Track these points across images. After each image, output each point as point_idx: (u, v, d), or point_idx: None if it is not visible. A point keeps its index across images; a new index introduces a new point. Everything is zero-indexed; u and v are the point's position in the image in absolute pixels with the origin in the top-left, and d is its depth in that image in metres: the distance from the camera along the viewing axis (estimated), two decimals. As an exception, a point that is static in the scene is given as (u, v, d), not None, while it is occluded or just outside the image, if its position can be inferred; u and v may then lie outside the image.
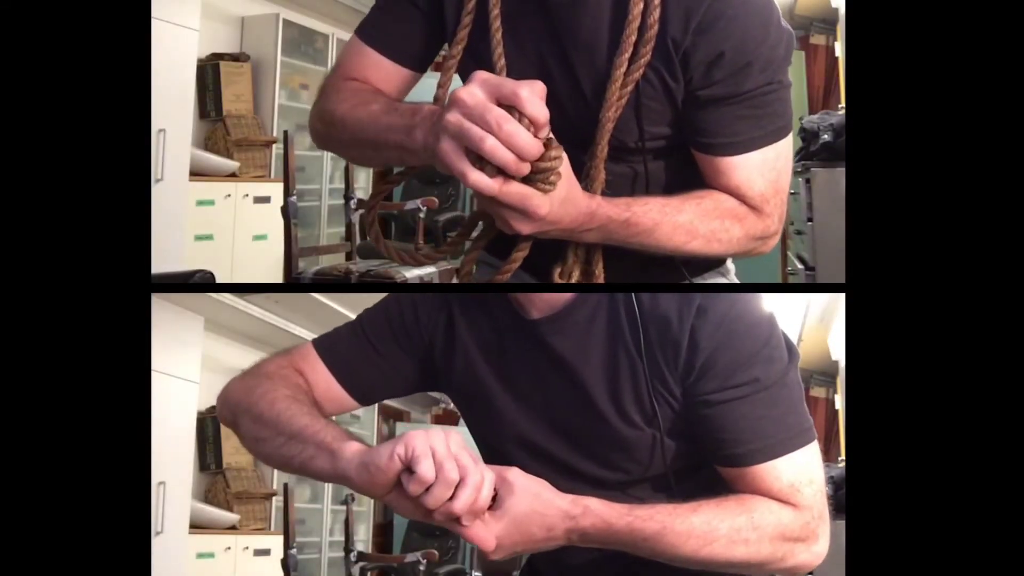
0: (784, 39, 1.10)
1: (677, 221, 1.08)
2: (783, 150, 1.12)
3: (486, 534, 0.95)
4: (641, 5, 1.06)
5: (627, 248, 1.10)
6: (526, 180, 0.98)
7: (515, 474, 0.98)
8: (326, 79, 1.23)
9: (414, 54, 1.21)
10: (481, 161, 0.97)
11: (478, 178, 0.97)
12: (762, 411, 1.03)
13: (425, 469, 0.90)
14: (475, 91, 0.97)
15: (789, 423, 1.04)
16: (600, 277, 1.12)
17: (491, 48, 1.12)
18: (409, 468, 0.92)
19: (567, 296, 1.09)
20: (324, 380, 1.16)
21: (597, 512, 0.99)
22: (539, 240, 1.08)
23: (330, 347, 1.18)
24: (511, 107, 0.96)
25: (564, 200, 1.02)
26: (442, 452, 0.91)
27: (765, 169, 1.11)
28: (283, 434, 1.05)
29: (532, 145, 0.96)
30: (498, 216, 1.03)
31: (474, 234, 1.17)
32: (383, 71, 1.21)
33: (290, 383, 1.12)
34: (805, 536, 1.03)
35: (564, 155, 1.01)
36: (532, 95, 0.96)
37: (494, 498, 0.97)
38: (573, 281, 1.12)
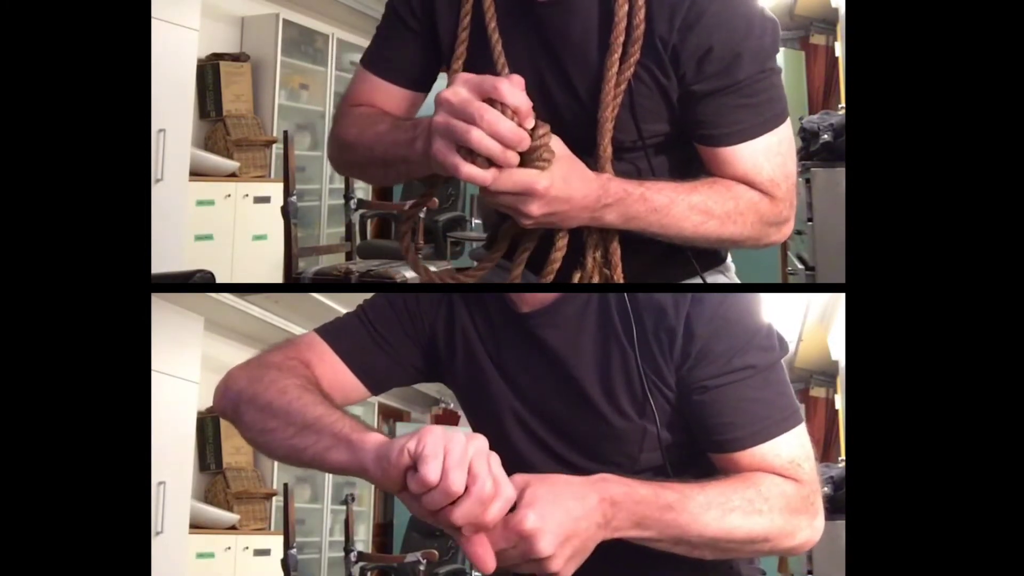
0: (769, 28, 1.11)
1: (692, 200, 1.09)
2: (784, 135, 1.13)
3: (484, 551, 0.89)
4: (626, 6, 1.09)
5: (644, 236, 1.10)
6: (521, 163, 1.01)
7: (519, 478, 0.93)
8: (337, 107, 1.28)
9: (415, 76, 1.25)
10: (472, 155, 1.00)
11: (470, 169, 1.00)
12: (756, 394, 1.05)
13: (428, 471, 0.85)
14: (458, 89, 1.00)
15: (782, 404, 1.07)
16: (619, 278, 1.13)
17: (493, 60, 1.14)
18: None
19: None
20: (332, 369, 1.15)
21: (617, 479, 0.96)
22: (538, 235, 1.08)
23: (337, 334, 1.17)
24: (493, 101, 0.99)
25: (567, 177, 1.03)
26: (454, 458, 0.85)
27: (770, 155, 1.12)
28: (294, 424, 1.01)
29: (513, 131, 0.99)
30: (507, 208, 1.05)
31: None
32: (388, 95, 1.24)
33: (298, 373, 1.09)
34: (805, 509, 1.04)
35: (557, 147, 1.03)
36: (512, 86, 1.00)
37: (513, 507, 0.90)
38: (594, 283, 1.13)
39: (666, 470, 1.09)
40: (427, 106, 1.26)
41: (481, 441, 0.88)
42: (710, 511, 0.98)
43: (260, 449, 1.08)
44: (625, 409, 1.08)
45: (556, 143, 1.03)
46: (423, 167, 1.09)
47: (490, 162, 1.00)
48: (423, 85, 1.26)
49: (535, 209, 1.03)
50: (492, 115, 0.98)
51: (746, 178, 1.12)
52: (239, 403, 1.08)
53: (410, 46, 1.23)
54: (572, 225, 1.08)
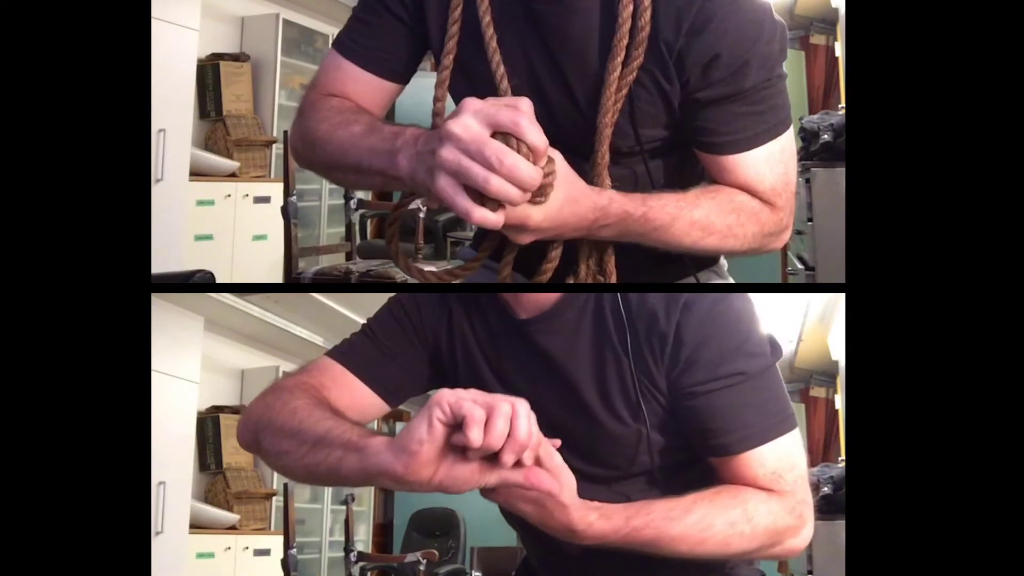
0: (778, 34, 1.08)
1: (694, 216, 1.07)
2: (787, 143, 1.12)
3: (552, 482, 0.91)
4: (631, 7, 1.05)
5: (640, 245, 1.09)
6: None
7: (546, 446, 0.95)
8: (305, 96, 1.19)
9: (396, 67, 1.18)
10: (482, 196, 0.94)
11: (483, 215, 0.94)
12: (745, 400, 1.05)
13: (471, 408, 0.84)
14: (469, 123, 0.93)
15: (771, 410, 1.06)
16: (612, 281, 1.12)
17: (487, 57, 1.10)
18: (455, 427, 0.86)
19: (554, 296, 1.10)
20: (349, 389, 1.14)
21: (599, 527, 0.98)
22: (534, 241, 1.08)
23: (348, 353, 1.16)
24: (507, 135, 0.93)
25: (564, 202, 1.01)
26: (480, 396, 0.86)
27: (773, 163, 1.11)
28: (306, 442, 0.99)
29: (534, 176, 0.93)
30: (504, 232, 1.03)
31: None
32: (364, 85, 1.18)
33: (309, 394, 1.08)
34: (794, 522, 1.04)
35: (557, 163, 0.99)
36: (531, 123, 0.94)
37: None
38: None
39: (655, 475, 1.10)
40: (405, 110, 1.23)
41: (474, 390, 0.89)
42: (686, 540, 1.00)
43: (281, 473, 1.08)
44: (620, 413, 1.08)
45: (556, 158, 1.00)
46: (402, 183, 1.03)
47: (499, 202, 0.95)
48: (404, 77, 1.20)
49: (524, 239, 1.02)
50: (512, 159, 0.92)
51: (747, 186, 1.10)
52: (257, 431, 1.07)
53: (393, 35, 1.17)
54: (566, 239, 1.08)
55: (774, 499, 1.04)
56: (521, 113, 0.93)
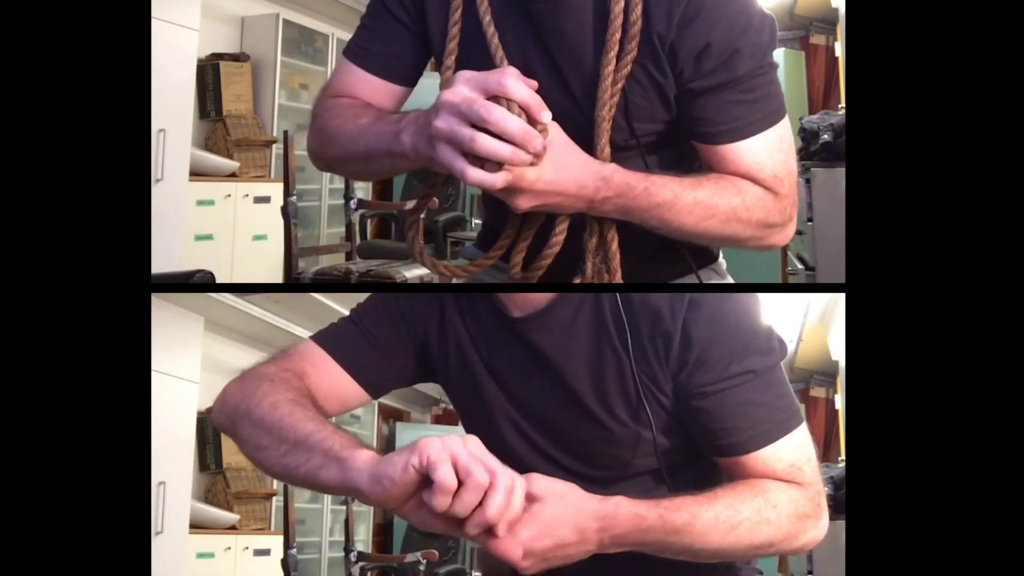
0: (767, 24, 1.10)
1: (696, 196, 1.08)
2: (784, 132, 1.12)
3: (513, 545, 0.90)
4: (622, 3, 1.07)
5: (640, 231, 1.09)
6: None
7: (537, 480, 0.94)
8: (317, 101, 1.24)
9: (403, 70, 1.22)
10: (480, 159, 0.98)
11: (478, 175, 0.98)
12: (756, 397, 1.05)
13: (443, 474, 0.84)
14: (459, 89, 0.98)
15: (782, 406, 1.06)
16: (618, 282, 1.12)
17: (490, 54, 1.12)
18: (426, 479, 0.85)
19: (549, 294, 1.10)
20: (330, 376, 1.13)
21: (629, 508, 0.96)
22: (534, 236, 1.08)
23: (333, 340, 1.16)
24: (498, 98, 0.97)
25: (561, 165, 1.02)
26: (464, 456, 0.85)
27: (772, 151, 1.11)
28: (287, 441, 0.99)
29: (523, 129, 0.97)
30: (503, 198, 1.04)
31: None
32: (373, 89, 1.21)
33: (291, 386, 1.08)
34: (813, 511, 1.04)
35: (554, 132, 1.02)
36: (517, 81, 0.98)
37: None
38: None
39: (662, 475, 1.09)
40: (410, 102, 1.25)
41: (475, 439, 0.88)
42: (717, 527, 0.98)
43: (257, 466, 1.07)
44: (619, 414, 1.07)
45: (554, 130, 1.02)
46: (409, 161, 1.07)
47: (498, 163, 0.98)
48: (410, 80, 1.23)
49: (523, 202, 1.03)
50: (499, 113, 0.96)
51: (748, 175, 1.11)
52: (235, 419, 1.07)
53: (399, 40, 1.20)
54: (568, 212, 1.08)
55: (793, 488, 1.04)
56: (506, 74, 0.98)
